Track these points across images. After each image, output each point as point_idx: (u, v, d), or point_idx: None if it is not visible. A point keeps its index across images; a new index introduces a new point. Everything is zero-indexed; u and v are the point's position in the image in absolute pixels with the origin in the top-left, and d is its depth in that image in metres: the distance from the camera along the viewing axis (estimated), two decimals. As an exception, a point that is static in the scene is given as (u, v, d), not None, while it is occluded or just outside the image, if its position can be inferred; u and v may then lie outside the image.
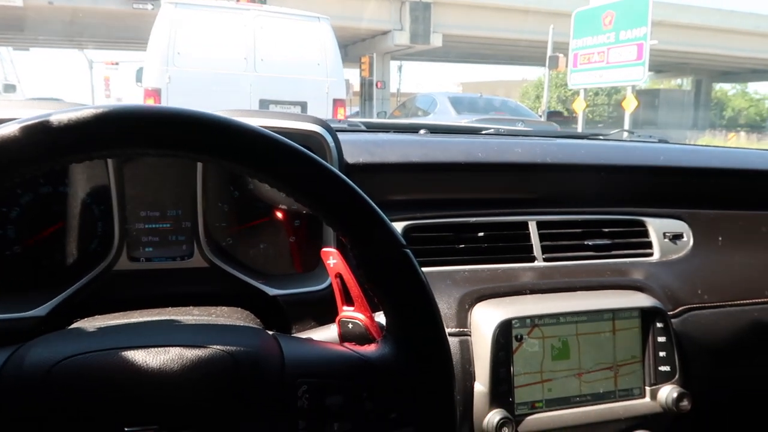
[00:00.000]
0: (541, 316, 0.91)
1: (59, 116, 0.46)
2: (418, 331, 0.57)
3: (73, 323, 0.76)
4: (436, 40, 19.66)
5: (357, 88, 21.13)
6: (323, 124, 0.93)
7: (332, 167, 0.54)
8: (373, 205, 0.55)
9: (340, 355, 0.59)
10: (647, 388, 0.96)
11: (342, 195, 0.54)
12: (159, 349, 0.53)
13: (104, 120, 0.47)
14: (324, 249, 0.68)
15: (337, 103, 7.86)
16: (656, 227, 1.15)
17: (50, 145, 0.47)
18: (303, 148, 0.53)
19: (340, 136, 1.00)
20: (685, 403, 0.93)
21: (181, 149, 0.50)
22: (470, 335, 0.91)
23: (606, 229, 1.12)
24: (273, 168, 0.52)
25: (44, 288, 0.84)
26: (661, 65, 28.64)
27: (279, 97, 7.26)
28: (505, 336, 0.88)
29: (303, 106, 7.43)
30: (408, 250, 0.56)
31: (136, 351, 0.53)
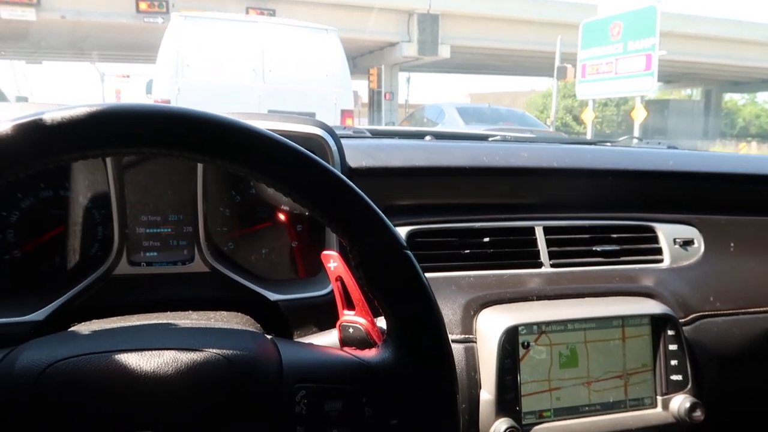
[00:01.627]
0: (548, 323, 0.89)
1: (52, 114, 0.46)
2: (419, 335, 0.56)
3: (70, 328, 0.75)
4: (444, 52, 19.71)
5: (365, 99, 21.22)
6: (326, 127, 0.92)
7: (331, 168, 0.52)
8: (374, 206, 0.53)
9: (339, 360, 0.57)
10: (659, 398, 0.93)
11: (341, 195, 0.52)
12: (153, 352, 0.52)
13: (99, 118, 0.46)
14: (324, 252, 0.67)
15: (345, 113, 7.89)
16: (666, 233, 1.13)
17: (44, 143, 0.46)
18: (300, 147, 0.51)
19: (345, 141, 0.99)
20: (698, 413, 0.90)
21: (174, 148, 0.49)
22: (476, 342, 0.89)
23: (615, 235, 1.10)
24: (270, 168, 0.51)
25: (43, 292, 0.83)
26: (670, 75, 28.57)
27: (287, 108, 7.28)
28: (511, 343, 0.86)
29: (311, 116, 7.44)
30: (408, 252, 0.54)
31: (129, 354, 0.52)
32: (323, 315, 0.84)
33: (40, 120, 0.45)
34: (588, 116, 14.53)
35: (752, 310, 1.05)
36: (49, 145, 0.46)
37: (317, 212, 0.53)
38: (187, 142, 0.49)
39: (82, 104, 0.47)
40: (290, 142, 0.51)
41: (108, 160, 0.84)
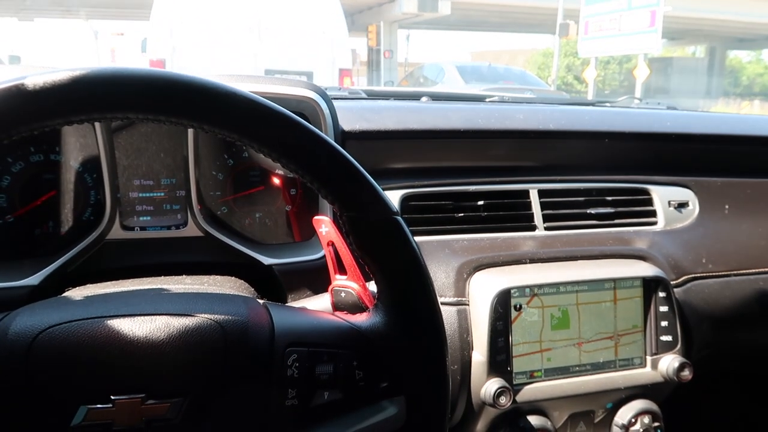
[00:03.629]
0: (540, 286, 0.90)
1: (34, 79, 0.44)
2: (409, 299, 0.56)
3: (65, 292, 0.76)
4: (445, 8, 19.27)
5: (364, 57, 20.87)
6: (317, 89, 0.90)
7: (320, 132, 0.52)
8: (363, 171, 0.53)
9: (330, 324, 0.58)
10: (648, 358, 0.95)
11: (330, 161, 0.52)
12: (145, 317, 0.52)
13: (81, 83, 0.45)
14: (316, 217, 0.67)
15: (344, 72, 7.77)
16: (661, 195, 1.13)
17: (25, 109, 0.45)
18: (288, 111, 0.51)
19: (339, 103, 0.97)
20: (686, 372, 0.92)
21: (161, 114, 0.48)
22: (468, 304, 0.90)
23: (609, 198, 1.10)
24: (258, 133, 0.50)
25: (37, 257, 0.83)
26: (674, 32, 28.01)
27: (284, 67, 7.17)
28: (503, 305, 0.87)
29: (309, 75, 7.34)
30: (399, 218, 0.54)
31: (121, 319, 0.52)
32: (317, 279, 0.85)
33: (22, 85, 0.44)
34: (590, 74, 14.32)
35: (743, 271, 1.06)
36: (31, 110, 0.45)
37: (306, 178, 0.52)
38: (173, 107, 0.48)
39: (65, 68, 0.46)
40: (277, 105, 0.50)
41: (96, 123, 0.83)
